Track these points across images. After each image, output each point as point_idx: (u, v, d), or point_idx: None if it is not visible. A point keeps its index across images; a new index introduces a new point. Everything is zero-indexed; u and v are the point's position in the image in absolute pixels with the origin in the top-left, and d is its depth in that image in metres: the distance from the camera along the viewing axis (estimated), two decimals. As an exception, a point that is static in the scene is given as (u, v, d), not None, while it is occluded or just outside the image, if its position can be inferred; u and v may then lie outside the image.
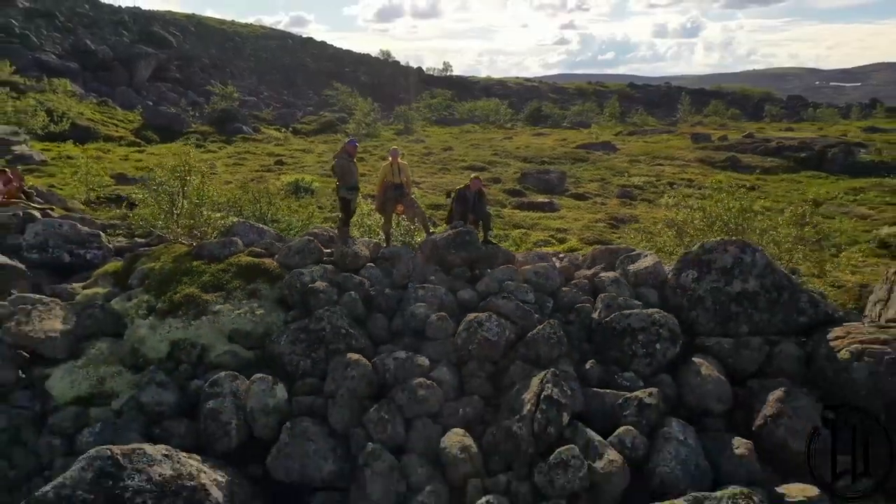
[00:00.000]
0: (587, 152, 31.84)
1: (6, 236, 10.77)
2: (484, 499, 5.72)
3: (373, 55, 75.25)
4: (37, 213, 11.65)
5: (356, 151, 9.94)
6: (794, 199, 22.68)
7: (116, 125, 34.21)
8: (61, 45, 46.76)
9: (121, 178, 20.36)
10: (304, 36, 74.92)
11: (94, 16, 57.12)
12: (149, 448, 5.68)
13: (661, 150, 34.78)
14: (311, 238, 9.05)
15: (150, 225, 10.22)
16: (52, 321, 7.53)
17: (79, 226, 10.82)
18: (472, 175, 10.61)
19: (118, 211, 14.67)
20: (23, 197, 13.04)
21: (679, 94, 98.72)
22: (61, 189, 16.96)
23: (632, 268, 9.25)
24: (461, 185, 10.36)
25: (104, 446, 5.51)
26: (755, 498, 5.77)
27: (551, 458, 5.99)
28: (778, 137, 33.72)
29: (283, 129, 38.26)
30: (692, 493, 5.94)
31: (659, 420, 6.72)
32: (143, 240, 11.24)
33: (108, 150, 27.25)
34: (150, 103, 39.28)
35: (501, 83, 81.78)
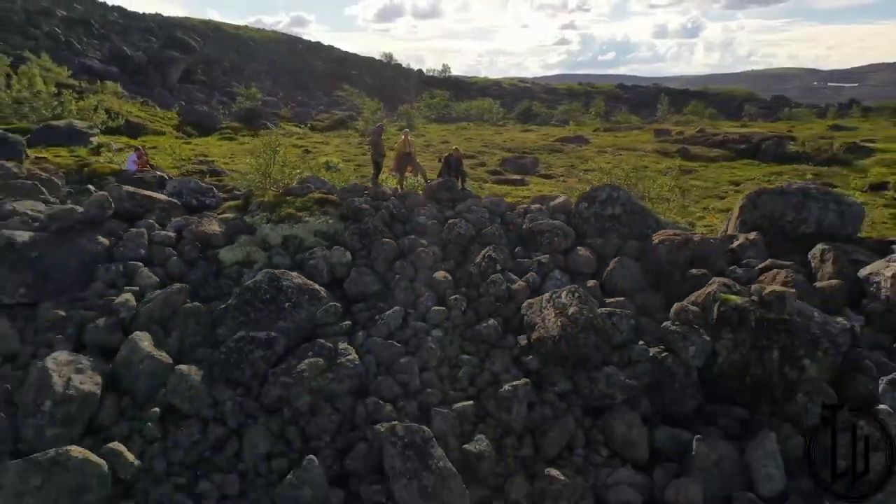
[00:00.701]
0: (562, 144, 37.51)
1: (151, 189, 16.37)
2: (454, 296, 11.45)
3: (376, 58, 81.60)
4: (166, 176, 17.30)
5: (383, 132, 15.68)
6: (721, 181, 28.45)
7: (159, 122, 39.91)
8: (100, 50, 52.36)
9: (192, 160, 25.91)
10: (312, 40, 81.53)
11: (125, 23, 62.73)
12: (288, 272, 11.37)
13: (627, 143, 40.42)
14: (356, 182, 14.80)
15: (247, 181, 15.89)
16: (213, 226, 13.19)
17: (200, 182, 16.48)
18: (454, 147, 16.34)
19: (208, 178, 20.31)
20: (149, 167, 18.70)
21: (666, 94, 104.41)
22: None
23: (552, 203, 14.95)
24: (447, 154, 16.07)
25: (270, 269, 11.24)
26: (580, 292, 11.38)
27: (488, 280, 11.73)
28: (725, 132, 39.45)
29: (301, 126, 44.00)
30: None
31: (549, 272, 12.42)
32: (240, 192, 16.93)
33: (159, 142, 32.82)
34: (183, 103, 44.95)
35: (498, 83, 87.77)
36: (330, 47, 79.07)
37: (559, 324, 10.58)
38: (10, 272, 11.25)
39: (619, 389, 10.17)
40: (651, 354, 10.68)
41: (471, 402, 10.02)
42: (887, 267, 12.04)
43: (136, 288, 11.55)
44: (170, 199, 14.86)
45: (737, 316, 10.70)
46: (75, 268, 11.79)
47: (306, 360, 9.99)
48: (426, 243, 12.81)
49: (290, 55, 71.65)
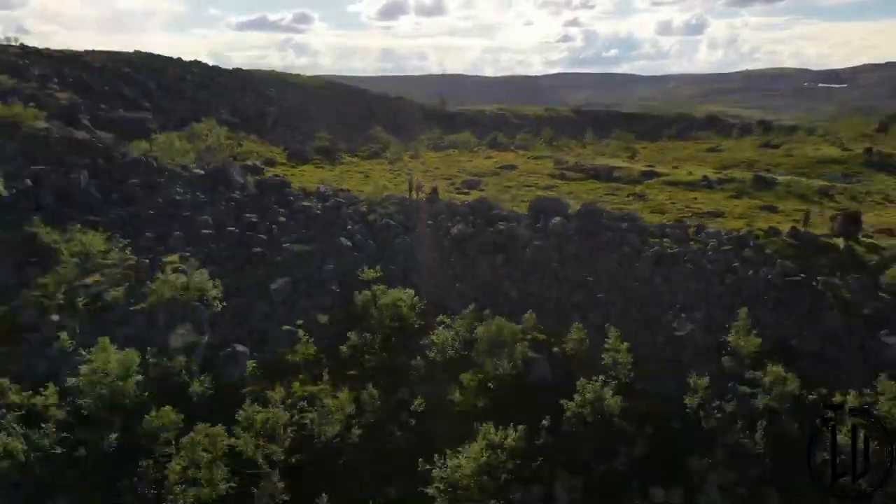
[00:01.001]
0: (501, 170, 66.90)
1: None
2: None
3: (391, 96, 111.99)
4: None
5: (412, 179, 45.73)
6: (561, 192, 58.15)
7: (277, 155, 69.83)
8: (222, 106, 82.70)
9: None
10: (350, 85, 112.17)
11: (224, 82, 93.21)
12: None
13: (537, 167, 69.81)
14: (393, 193, 45.06)
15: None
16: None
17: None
18: (416, 175, 46.67)
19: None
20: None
21: (616, 118, 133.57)
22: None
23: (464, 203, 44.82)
24: (410, 179, 46.29)
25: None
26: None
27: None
28: (591, 164, 68.67)
29: (350, 157, 73.89)
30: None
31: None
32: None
33: (301, 168, 62.46)
34: (282, 143, 74.82)
35: (480, 112, 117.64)
36: (364, 91, 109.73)
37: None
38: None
39: None
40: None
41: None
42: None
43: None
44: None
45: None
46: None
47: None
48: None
49: (332, 99, 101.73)
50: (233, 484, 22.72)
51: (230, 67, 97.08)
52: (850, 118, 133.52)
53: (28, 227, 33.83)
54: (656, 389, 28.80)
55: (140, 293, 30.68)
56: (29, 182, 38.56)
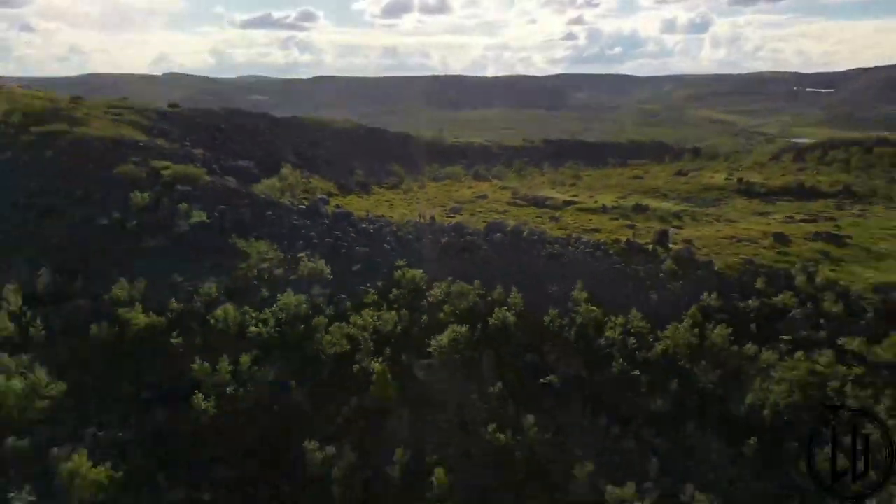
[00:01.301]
0: (476, 199, 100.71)
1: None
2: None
3: (403, 134, 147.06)
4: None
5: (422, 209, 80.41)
6: (507, 218, 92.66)
7: (333, 188, 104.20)
8: (288, 149, 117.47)
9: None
10: (370, 127, 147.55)
11: (286, 126, 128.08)
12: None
13: (500, 197, 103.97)
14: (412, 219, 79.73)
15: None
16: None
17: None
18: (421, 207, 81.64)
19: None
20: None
21: (577, 146, 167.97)
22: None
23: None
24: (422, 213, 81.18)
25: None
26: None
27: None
28: (527, 194, 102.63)
29: (378, 188, 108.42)
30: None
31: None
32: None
33: (348, 198, 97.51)
34: (332, 178, 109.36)
35: (469, 144, 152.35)
36: (384, 130, 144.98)
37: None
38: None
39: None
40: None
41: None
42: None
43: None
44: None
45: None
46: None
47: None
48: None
49: (362, 137, 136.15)
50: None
51: (289, 116, 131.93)
52: (762, 146, 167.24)
53: (230, 240, 68.45)
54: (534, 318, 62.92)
55: (290, 272, 65.14)
56: (216, 214, 73.21)
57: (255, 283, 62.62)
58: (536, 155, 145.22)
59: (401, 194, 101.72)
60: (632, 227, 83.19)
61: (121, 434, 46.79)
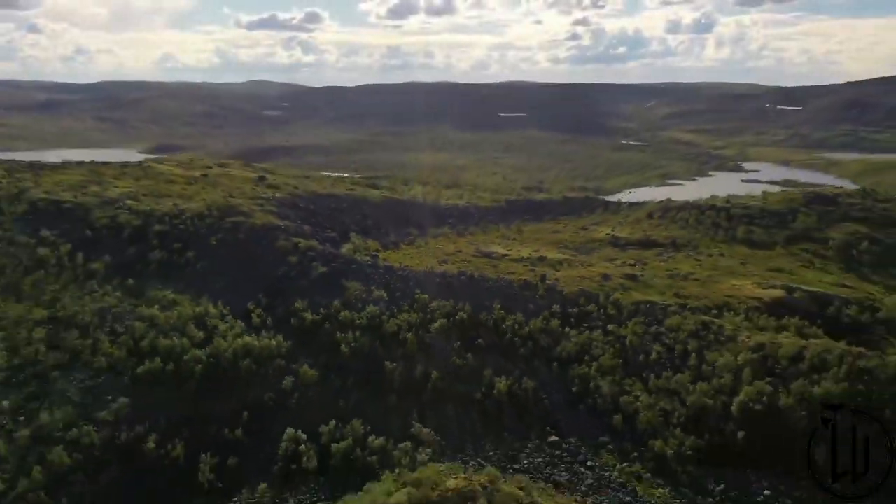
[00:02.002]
0: (455, 252, 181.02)
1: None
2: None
3: (417, 202, 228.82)
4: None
5: None
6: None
7: (376, 246, 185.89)
8: (350, 218, 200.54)
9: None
10: (396, 199, 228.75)
11: (342, 200, 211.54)
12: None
13: (467, 252, 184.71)
14: None
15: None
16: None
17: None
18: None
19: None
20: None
21: (532, 204, 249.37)
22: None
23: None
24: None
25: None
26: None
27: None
28: (487, 250, 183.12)
29: (403, 244, 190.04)
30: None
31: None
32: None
33: (386, 254, 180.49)
34: (376, 239, 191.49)
35: (455, 205, 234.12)
36: (404, 200, 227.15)
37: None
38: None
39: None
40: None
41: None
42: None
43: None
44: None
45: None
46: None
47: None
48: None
49: (389, 205, 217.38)
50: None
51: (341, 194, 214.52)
52: (642, 206, 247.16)
53: (340, 281, 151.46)
54: (476, 318, 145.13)
55: (368, 296, 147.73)
56: (328, 267, 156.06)
57: (354, 301, 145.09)
58: (497, 214, 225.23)
59: (414, 249, 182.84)
60: (532, 270, 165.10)
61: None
